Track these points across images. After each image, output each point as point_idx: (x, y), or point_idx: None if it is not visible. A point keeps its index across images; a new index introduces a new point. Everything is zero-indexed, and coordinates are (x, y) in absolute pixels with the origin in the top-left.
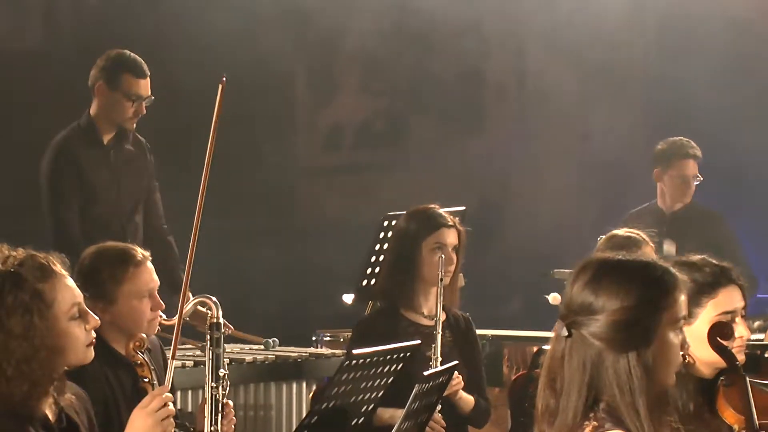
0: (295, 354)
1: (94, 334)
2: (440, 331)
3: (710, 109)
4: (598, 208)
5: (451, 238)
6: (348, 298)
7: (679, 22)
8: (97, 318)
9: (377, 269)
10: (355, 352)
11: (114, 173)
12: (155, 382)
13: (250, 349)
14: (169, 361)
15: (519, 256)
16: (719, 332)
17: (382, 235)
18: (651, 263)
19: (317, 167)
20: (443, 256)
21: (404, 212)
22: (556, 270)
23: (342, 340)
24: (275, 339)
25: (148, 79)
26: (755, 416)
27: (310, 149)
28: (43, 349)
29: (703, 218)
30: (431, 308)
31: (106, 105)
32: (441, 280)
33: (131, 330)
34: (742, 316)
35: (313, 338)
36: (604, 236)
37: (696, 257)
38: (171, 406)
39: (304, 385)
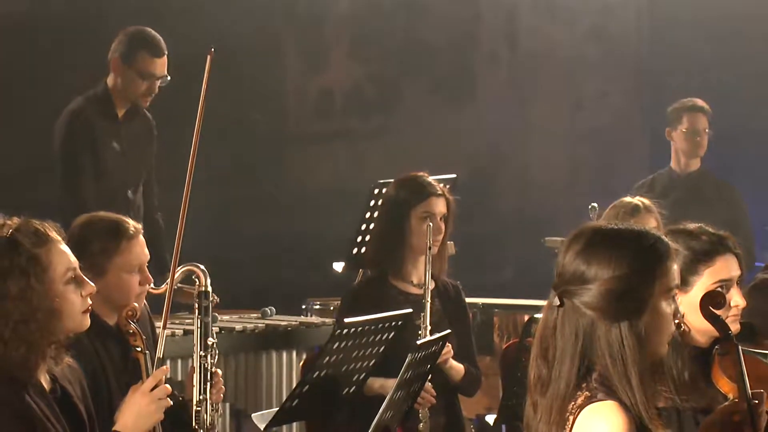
0: (285, 323)
1: (90, 301)
2: (429, 299)
3: (705, 75)
4: (589, 176)
5: (440, 206)
6: (338, 267)
7: None
8: (92, 284)
9: (367, 237)
10: (346, 320)
11: (123, 147)
12: (147, 351)
13: (240, 317)
14: (160, 331)
15: (510, 224)
16: (712, 301)
17: (372, 203)
18: (644, 232)
19: (307, 133)
20: (432, 224)
21: (393, 180)
22: (547, 238)
23: (332, 308)
24: (272, 308)
25: (165, 57)
26: (748, 385)
27: (300, 115)
28: (40, 311)
29: (717, 187)
30: (420, 277)
31: (121, 80)
32: (429, 248)
33: (119, 303)
34: (738, 285)
35: (303, 307)
36: (595, 204)
37: (693, 225)
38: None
39: (294, 354)
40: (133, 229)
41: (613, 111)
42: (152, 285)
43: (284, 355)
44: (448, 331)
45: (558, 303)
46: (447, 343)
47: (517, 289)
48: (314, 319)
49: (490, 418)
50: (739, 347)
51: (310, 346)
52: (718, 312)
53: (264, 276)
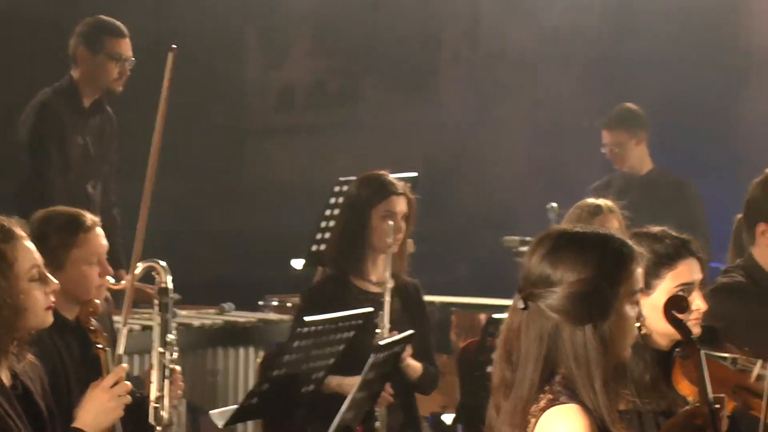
0: (244, 319)
1: (53, 298)
2: (389, 298)
3: (664, 76)
4: (548, 174)
5: (401, 206)
6: (297, 264)
7: None
8: (56, 282)
9: (327, 235)
10: (307, 319)
11: (88, 142)
12: (108, 348)
13: (198, 313)
14: (120, 327)
15: (468, 222)
16: (675, 305)
17: (333, 200)
18: (609, 236)
19: (268, 128)
20: (392, 223)
21: (355, 178)
22: (506, 237)
23: (290, 305)
24: (230, 303)
25: (128, 39)
26: (709, 389)
27: (261, 110)
28: (4, 308)
29: (674, 187)
30: (380, 275)
31: (90, 70)
32: (390, 247)
33: (79, 296)
34: (700, 288)
35: (261, 303)
36: (554, 204)
37: (656, 228)
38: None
39: (252, 350)
40: (90, 221)
41: (572, 110)
42: (112, 280)
43: (241, 351)
44: (411, 331)
45: (523, 306)
46: None
47: (474, 287)
48: (273, 315)
49: (448, 418)
50: (702, 352)
51: (268, 343)
52: (681, 316)
53: (220, 271)
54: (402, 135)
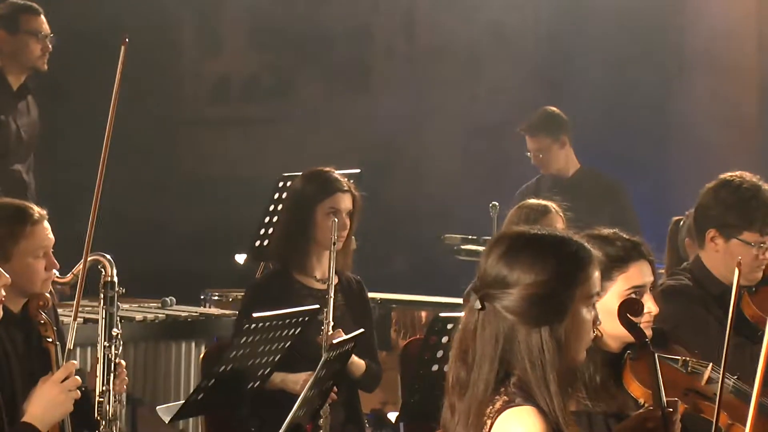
0: (186, 313)
1: (3, 293)
2: (332, 294)
3: (601, 73)
4: (483, 170)
5: (345, 203)
6: (240, 259)
7: None
8: (7, 276)
9: (270, 230)
10: (255, 315)
11: (19, 124)
12: (58, 342)
13: (140, 306)
14: (70, 321)
15: (403, 217)
16: (629, 309)
17: (276, 195)
18: (566, 238)
19: (202, 119)
20: (337, 220)
21: (300, 173)
22: (446, 234)
23: (231, 300)
24: (172, 297)
25: (43, 17)
26: (663, 393)
27: (195, 101)
28: None
29: (602, 187)
30: (324, 272)
31: (12, 51)
32: (334, 244)
33: (25, 289)
34: (651, 291)
35: (201, 297)
36: (496, 203)
37: (607, 231)
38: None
39: (194, 345)
40: (37, 214)
41: (508, 107)
42: (56, 272)
43: (183, 345)
44: (362, 330)
45: (479, 306)
46: None
47: (409, 283)
48: (214, 310)
49: (393, 416)
50: (656, 355)
51: (210, 337)
52: (635, 319)
53: (156, 264)
54: (337, 129)
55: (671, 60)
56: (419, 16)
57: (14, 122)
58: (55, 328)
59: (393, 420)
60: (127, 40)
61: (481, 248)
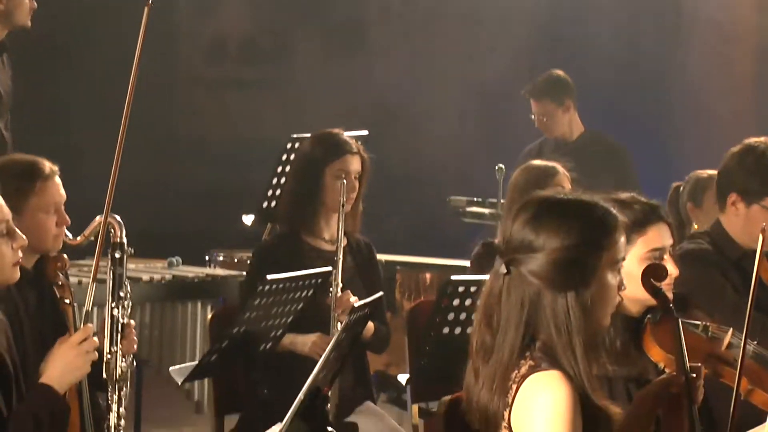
0: (192, 274)
1: (20, 254)
2: (341, 257)
3: (601, 34)
4: (480, 131)
5: (354, 165)
6: (248, 220)
7: None
8: (24, 237)
9: (278, 192)
10: (269, 277)
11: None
12: (75, 303)
13: (146, 267)
14: (89, 283)
15: (401, 178)
16: (653, 273)
17: (284, 157)
18: (593, 203)
19: (199, 80)
20: (346, 182)
21: (309, 135)
22: (452, 197)
23: (236, 260)
24: (178, 258)
25: None
26: (687, 358)
27: (191, 61)
28: None
29: (606, 152)
30: (333, 234)
31: (6, 8)
32: (343, 206)
33: (36, 244)
34: (671, 254)
35: (206, 258)
36: (502, 165)
37: (625, 195)
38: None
39: (199, 305)
40: (48, 169)
41: (504, 67)
42: (69, 234)
43: (189, 306)
44: (380, 294)
45: (504, 271)
46: (358, 300)
47: (407, 244)
48: (221, 271)
49: (403, 378)
50: (680, 320)
51: (216, 298)
52: (658, 284)
53: (158, 224)
54: (333, 90)
55: (671, 22)
56: None
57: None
58: (72, 289)
59: (403, 382)
60: (150, 2)
61: (486, 210)
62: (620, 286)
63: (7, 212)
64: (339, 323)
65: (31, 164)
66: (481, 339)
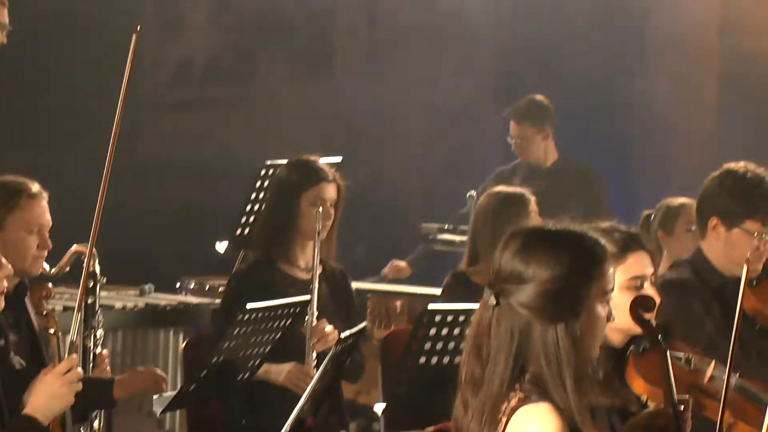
0: (165, 302)
1: (5, 284)
2: (317, 285)
3: (561, 57)
4: (443, 155)
5: (330, 192)
6: (221, 247)
7: None
8: (10, 266)
9: (252, 218)
10: (249, 306)
11: None
12: (60, 333)
13: (118, 294)
14: (75, 313)
15: (363, 202)
16: (641, 305)
17: (258, 183)
18: (582, 234)
19: (162, 102)
20: (321, 210)
21: (284, 161)
22: (424, 224)
23: (207, 288)
24: (151, 285)
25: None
26: (674, 390)
27: (156, 83)
28: None
29: (579, 178)
30: (308, 261)
31: None
32: (318, 233)
33: (14, 262)
34: (652, 283)
35: (178, 285)
36: (473, 192)
37: (604, 224)
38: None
39: (172, 333)
40: (36, 190)
41: (469, 91)
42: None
43: (162, 334)
44: (364, 324)
45: (494, 302)
46: (334, 329)
47: (371, 270)
48: (194, 298)
49: (380, 407)
50: (668, 352)
51: (189, 325)
52: (647, 315)
53: (130, 250)
54: (299, 111)
55: (634, 44)
56: None
57: None
58: (56, 319)
59: (378, 411)
60: (138, 28)
61: (457, 237)
62: (609, 316)
63: None
64: (314, 352)
65: (18, 182)
66: (470, 370)
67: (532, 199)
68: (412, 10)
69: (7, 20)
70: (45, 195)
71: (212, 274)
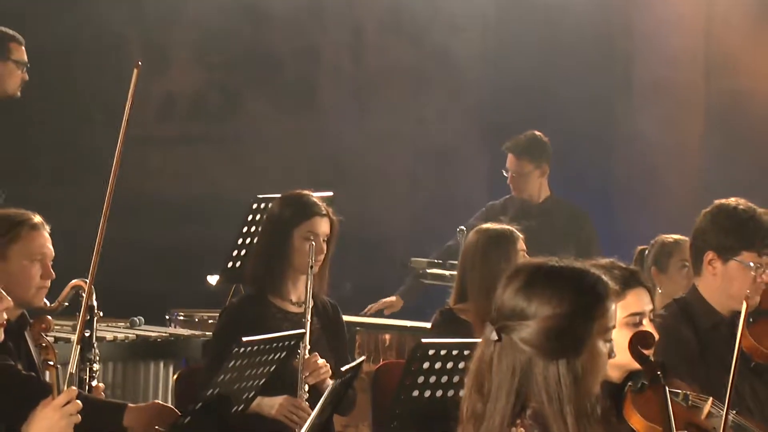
0: (155, 334)
1: (5, 316)
2: (309, 318)
3: (546, 99)
4: (429, 192)
5: (323, 227)
6: (213, 280)
7: (520, 7)
8: (9, 299)
9: (244, 252)
10: (244, 339)
11: None
12: (59, 366)
13: (108, 326)
14: (74, 345)
15: (348, 239)
16: (641, 341)
17: (250, 217)
18: (585, 271)
19: (148, 137)
20: (314, 244)
21: (276, 195)
22: (413, 259)
23: (197, 320)
24: (141, 317)
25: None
26: (674, 427)
27: (141, 119)
28: None
29: (569, 216)
30: (300, 295)
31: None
32: (311, 268)
33: (18, 293)
34: (651, 320)
35: (167, 317)
36: (463, 227)
37: (604, 260)
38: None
39: (162, 365)
40: (38, 221)
41: (455, 130)
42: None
43: (152, 366)
44: (363, 358)
45: (495, 338)
46: (326, 363)
47: (357, 305)
48: (184, 331)
49: None
50: (667, 389)
51: (179, 358)
52: (646, 352)
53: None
54: (284, 149)
55: (619, 87)
56: (366, 37)
57: None
58: (56, 351)
59: None
60: (140, 63)
61: (447, 272)
62: (611, 353)
63: None
64: (306, 385)
65: (21, 213)
66: (471, 406)
67: (521, 236)
68: (397, 49)
69: (25, 58)
70: (47, 227)
71: (200, 307)
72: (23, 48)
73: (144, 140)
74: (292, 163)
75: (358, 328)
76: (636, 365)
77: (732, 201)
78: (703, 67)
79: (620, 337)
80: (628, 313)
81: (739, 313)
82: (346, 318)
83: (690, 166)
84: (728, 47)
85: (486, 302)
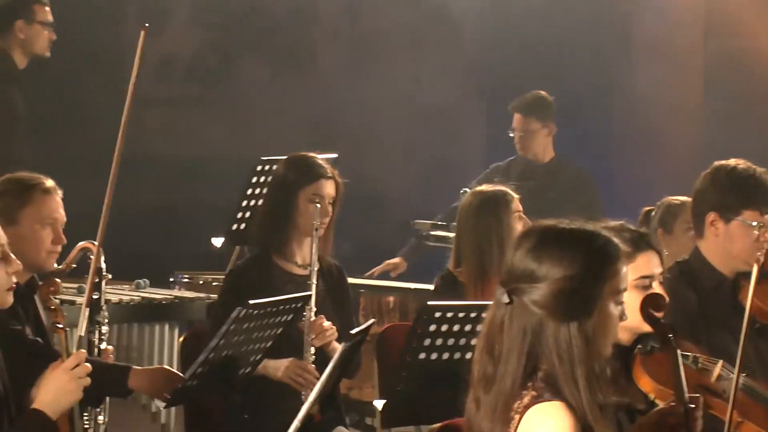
0: (161, 296)
1: (15, 279)
2: (315, 281)
3: (545, 59)
4: (426, 153)
5: (329, 189)
6: (217, 242)
7: None
8: (19, 263)
9: (248, 214)
10: (251, 302)
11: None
12: (68, 329)
13: (114, 288)
14: (83, 308)
15: (347, 199)
16: (652, 303)
17: (255, 179)
18: (595, 233)
19: (145, 99)
20: (319, 206)
21: (281, 157)
22: (417, 221)
23: (201, 282)
24: (146, 280)
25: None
26: (685, 388)
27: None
28: None
29: (573, 177)
30: (304, 257)
31: (28, 38)
32: (316, 230)
33: (29, 257)
34: (660, 282)
35: (171, 280)
36: (467, 189)
37: (614, 223)
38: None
39: (167, 327)
40: (51, 185)
41: (452, 90)
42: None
43: (157, 328)
44: (373, 321)
45: (506, 300)
46: (332, 325)
47: (357, 267)
48: (189, 293)
49: (379, 404)
50: (678, 351)
51: (184, 320)
52: (658, 314)
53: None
54: (280, 110)
55: (618, 47)
56: None
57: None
58: (65, 313)
59: (379, 407)
60: (147, 25)
61: (450, 234)
62: (622, 315)
63: (3, 237)
64: (312, 348)
65: (32, 177)
66: (482, 368)
67: (516, 197)
68: (394, 10)
69: (50, 18)
70: (59, 190)
71: (205, 269)
72: (47, 8)
73: (142, 101)
74: (290, 124)
75: (361, 290)
76: (646, 327)
77: (731, 161)
78: (703, 27)
79: (630, 300)
80: (638, 276)
81: (741, 273)
82: (349, 280)
83: (690, 126)
84: (727, 7)
85: (478, 264)
